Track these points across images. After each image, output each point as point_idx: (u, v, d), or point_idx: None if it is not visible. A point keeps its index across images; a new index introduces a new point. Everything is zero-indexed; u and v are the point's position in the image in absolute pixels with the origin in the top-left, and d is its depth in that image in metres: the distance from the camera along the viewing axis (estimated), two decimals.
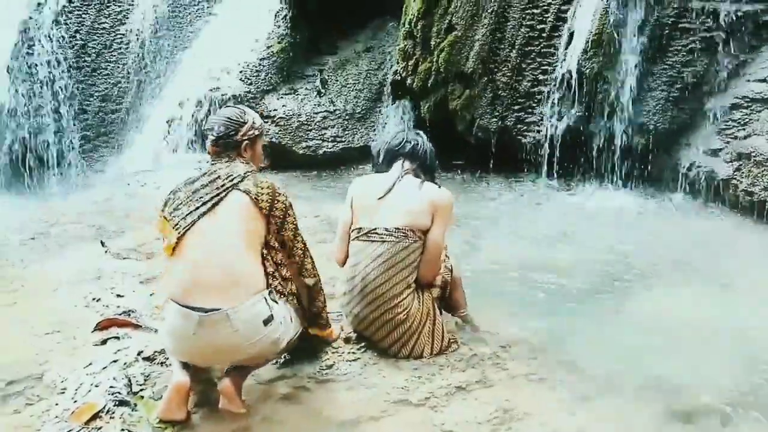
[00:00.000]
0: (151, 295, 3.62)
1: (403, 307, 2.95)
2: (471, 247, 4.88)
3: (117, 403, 2.55)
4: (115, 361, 2.86)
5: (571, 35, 6.30)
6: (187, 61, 8.01)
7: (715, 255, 4.76)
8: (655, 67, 6.10)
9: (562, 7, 6.39)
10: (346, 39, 8.27)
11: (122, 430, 2.44)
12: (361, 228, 3.02)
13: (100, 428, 2.44)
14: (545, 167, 6.56)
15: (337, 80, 7.85)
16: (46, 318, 3.40)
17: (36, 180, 7.32)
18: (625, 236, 5.24)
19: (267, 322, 2.54)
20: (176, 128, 7.44)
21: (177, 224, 2.58)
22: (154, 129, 7.57)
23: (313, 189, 6.77)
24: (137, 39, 8.04)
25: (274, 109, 7.49)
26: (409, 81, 7.12)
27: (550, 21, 6.43)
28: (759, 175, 5.37)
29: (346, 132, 7.51)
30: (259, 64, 7.80)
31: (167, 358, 2.81)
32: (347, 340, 3.08)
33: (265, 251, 2.64)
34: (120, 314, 3.33)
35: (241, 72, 7.72)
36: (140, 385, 2.72)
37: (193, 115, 7.40)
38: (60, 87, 7.58)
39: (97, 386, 2.65)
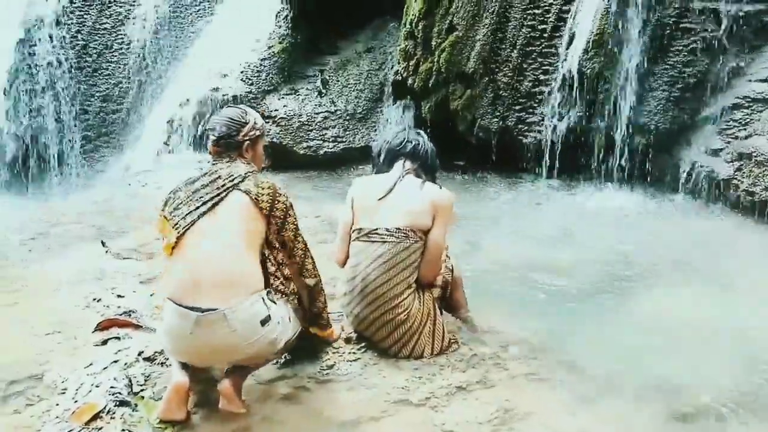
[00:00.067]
0: (151, 295, 3.61)
1: (403, 308, 2.95)
2: (471, 247, 4.88)
3: (117, 403, 2.55)
4: (115, 362, 2.86)
5: (572, 35, 6.29)
6: (188, 61, 8.02)
7: (716, 255, 4.76)
8: (656, 67, 6.09)
9: (563, 8, 6.38)
10: (347, 39, 8.27)
11: (123, 430, 2.44)
12: (361, 228, 3.02)
13: (100, 428, 2.44)
14: (546, 167, 6.56)
15: (338, 80, 7.85)
16: (46, 318, 3.40)
17: (37, 180, 7.33)
18: (626, 236, 5.24)
19: (264, 322, 2.53)
20: (177, 128, 7.45)
21: (177, 224, 2.58)
22: (155, 129, 7.57)
23: (314, 189, 6.77)
24: (138, 39, 8.05)
25: (275, 110, 7.49)
26: (410, 81, 7.12)
27: (551, 21, 6.42)
28: (760, 175, 5.36)
29: (347, 132, 7.51)
30: (260, 65, 7.80)
31: (167, 359, 2.81)
32: (348, 341, 3.07)
33: (266, 251, 2.64)
34: (121, 314, 3.32)
35: (242, 72, 7.71)
36: (141, 385, 2.72)
37: (194, 116, 7.41)
38: (61, 87, 7.60)
39: (97, 386, 2.65)
